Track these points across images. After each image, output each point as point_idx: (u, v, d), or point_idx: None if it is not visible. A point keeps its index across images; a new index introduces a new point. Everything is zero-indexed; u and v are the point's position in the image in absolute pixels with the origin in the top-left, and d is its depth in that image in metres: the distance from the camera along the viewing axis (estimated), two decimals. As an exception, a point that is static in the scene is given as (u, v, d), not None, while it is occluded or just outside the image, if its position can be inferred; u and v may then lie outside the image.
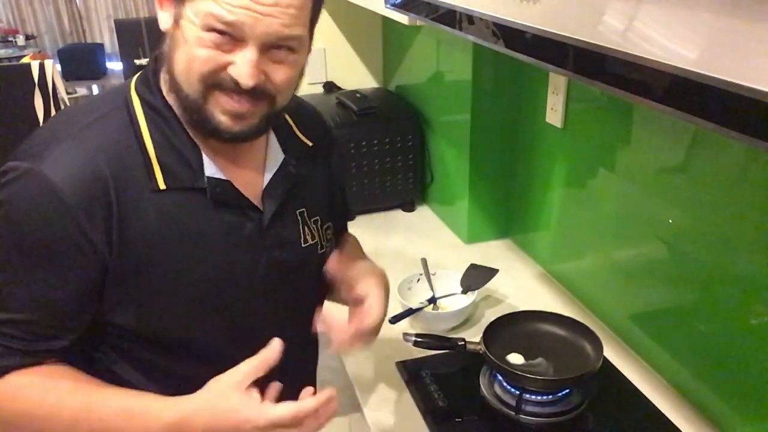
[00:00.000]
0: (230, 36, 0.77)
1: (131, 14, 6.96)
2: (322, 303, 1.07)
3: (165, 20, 0.83)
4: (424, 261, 1.54)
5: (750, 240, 1.02)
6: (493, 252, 1.76)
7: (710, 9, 0.56)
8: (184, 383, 0.82)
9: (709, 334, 1.12)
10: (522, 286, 1.59)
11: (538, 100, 1.54)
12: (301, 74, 0.87)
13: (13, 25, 6.74)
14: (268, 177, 0.93)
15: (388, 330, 1.39)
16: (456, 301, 1.46)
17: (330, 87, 2.22)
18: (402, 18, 1.40)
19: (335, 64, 2.27)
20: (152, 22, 6.08)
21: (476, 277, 1.49)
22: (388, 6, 1.39)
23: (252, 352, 0.82)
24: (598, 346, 1.20)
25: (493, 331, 1.26)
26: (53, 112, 3.27)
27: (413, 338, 1.27)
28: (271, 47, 0.80)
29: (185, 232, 0.84)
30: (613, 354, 1.32)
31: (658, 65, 0.62)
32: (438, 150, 1.92)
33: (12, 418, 0.80)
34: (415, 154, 1.95)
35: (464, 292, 1.47)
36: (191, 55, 0.79)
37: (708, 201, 1.09)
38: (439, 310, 1.45)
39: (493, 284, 1.51)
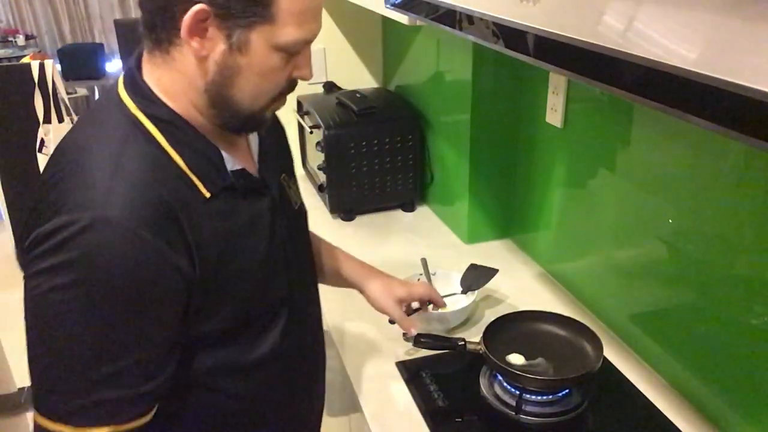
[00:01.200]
0: None
1: (131, 14, 6.96)
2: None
3: (207, 48, 0.78)
4: (424, 261, 1.54)
5: (750, 240, 1.02)
6: (493, 252, 1.76)
7: (710, 9, 0.56)
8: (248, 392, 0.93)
9: (709, 334, 1.12)
10: (522, 286, 1.59)
11: (538, 100, 1.54)
12: None
13: (13, 25, 6.74)
14: (255, 152, 0.95)
15: (388, 330, 1.39)
16: (456, 301, 1.46)
17: (330, 87, 2.22)
18: (402, 18, 1.40)
19: (335, 64, 2.27)
20: (152, 22, 6.03)
21: (476, 277, 1.49)
22: (388, 6, 1.39)
23: (300, 323, 0.99)
24: (598, 346, 1.21)
25: (493, 331, 1.26)
26: (53, 112, 3.27)
27: (413, 338, 1.27)
28: None
29: (235, 228, 0.86)
30: (613, 354, 1.32)
31: (658, 65, 0.62)
32: (438, 150, 1.92)
33: None
34: (415, 154, 1.95)
35: (464, 292, 1.47)
36: (268, 79, 0.82)
37: (708, 201, 1.09)
38: (439, 310, 1.45)
39: (493, 284, 1.51)
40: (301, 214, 1.08)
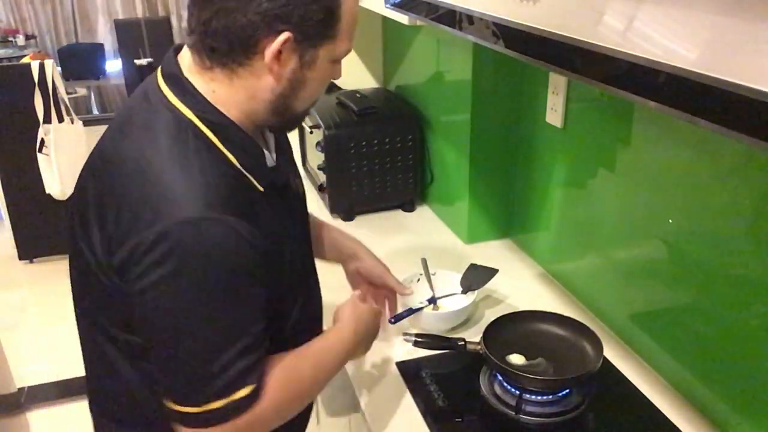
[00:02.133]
0: None
1: (131, 14, 6.96)
2: None
3: (282, 67, 0.86)
4: (424, 261, 1.54)
5: (749, 240, 1.02)
6: (493, 252, 1.76)
7: (710, 9, 0.56)
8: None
9: (709, 334, 1.12)
10: (522, 286, 1.59)
11: (538, 100, 1.54)
12: None
13: (13, 25, 6.75)
14: (272, 147, 1.02)
15: (388, 330, 1.39)
16: (456, 301, 1.46)
17: (330, 87, 2.22)
18: (402, 18, 1.41)
19: (335, 64, 2.27)
20: (152, 23, 6.10)
21: (476, 277, 1.49)
22: (388, 6, 1.39)
23: (311, 297, 1.11)
24: (598, 346, 1.21)
25: (493, 331, 1.26)
26: (53, 112, 3.27)
27: (413, 338, 1.27)
28: None
29: (279, 217, 0.96)
30: (613, 354, 1.32)
31: (658, 65, 0.62)
32: (438, 150, 1.92)
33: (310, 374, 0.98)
34: (415, 154, 1.95)
35: (464, 291, 1.47)
36: (322, 86, 0.94)
37: (708, 201, 1.09)
38: (439, 310, 1.45)
39: (493, 284, 1.51)
40: (304, 197, 1.15)
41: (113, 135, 0.91)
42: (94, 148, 0.93)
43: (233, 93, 0.88)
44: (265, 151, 0.94)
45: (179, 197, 0.81)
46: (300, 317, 1.04)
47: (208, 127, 0.87)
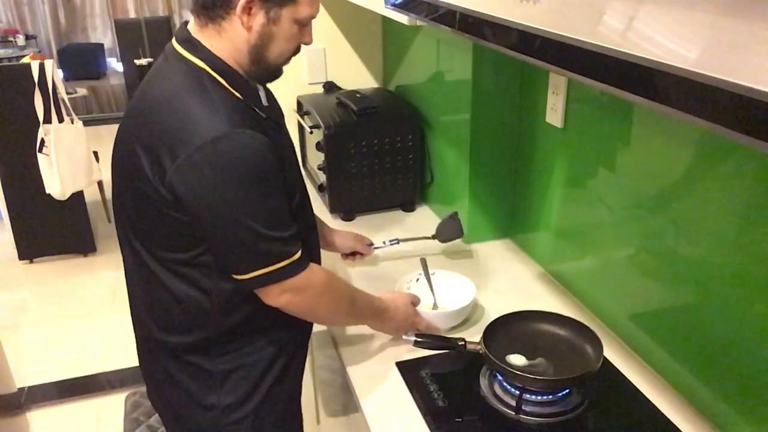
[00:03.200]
0: None
1: (131, 14, 6.96)
2: None
3: (251, 21, 1.07)
4: (423, 261, 1.54)
5: (750, 239, 1.02)
6: (493, 252, 1.76)
7: (710, 9, 0.56)
8: None
9: (709, 334, 1.13)
10: (522, 286, 1.59)
11: (538, 100, 1.54)
12: None
13: (13, 25, 6.75)
14: (264, 96, 1.20)
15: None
16: (456, 301, 1.46)
17: (330, 87, 2.22)
18: (402, 18, 1.41)
19: (335, 64, 2.27)
20: (152, 23, 6.10)
21: (448, 230, 1.66)
22: (388, 6, 1.39)
23: (310, 230, 1.26)
24: (598, 346, 1.21)
25: (493, 331, 1.26)
26: (53, 112, 3.27)
27: (413, 338, 1.27)
28: None
29: (279, 144, 1.13)
30: (613, 354, 1.32)
31: (658, 65, 0.62)
32: (438, 150, 1.92)
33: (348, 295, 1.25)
34: (415, 154, 1.95)
35: (434, 237, 1.66)
36: (289, 43, 1.12)
37: (708, 201, 1.09)
38: (439, 310, 1.45)
39: (493, 284, 1.51)
40: (291, 141, 1.33)
41: (141, 92, 1.13)
42: (127, 108, 1.16)
43: (224, 45, 1.09)
44: (260, 93, 1.16)
45: (205, 121, 1.02)
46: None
47: (215, 71, 1.08)
